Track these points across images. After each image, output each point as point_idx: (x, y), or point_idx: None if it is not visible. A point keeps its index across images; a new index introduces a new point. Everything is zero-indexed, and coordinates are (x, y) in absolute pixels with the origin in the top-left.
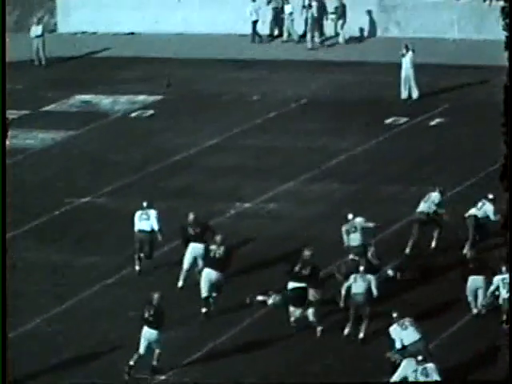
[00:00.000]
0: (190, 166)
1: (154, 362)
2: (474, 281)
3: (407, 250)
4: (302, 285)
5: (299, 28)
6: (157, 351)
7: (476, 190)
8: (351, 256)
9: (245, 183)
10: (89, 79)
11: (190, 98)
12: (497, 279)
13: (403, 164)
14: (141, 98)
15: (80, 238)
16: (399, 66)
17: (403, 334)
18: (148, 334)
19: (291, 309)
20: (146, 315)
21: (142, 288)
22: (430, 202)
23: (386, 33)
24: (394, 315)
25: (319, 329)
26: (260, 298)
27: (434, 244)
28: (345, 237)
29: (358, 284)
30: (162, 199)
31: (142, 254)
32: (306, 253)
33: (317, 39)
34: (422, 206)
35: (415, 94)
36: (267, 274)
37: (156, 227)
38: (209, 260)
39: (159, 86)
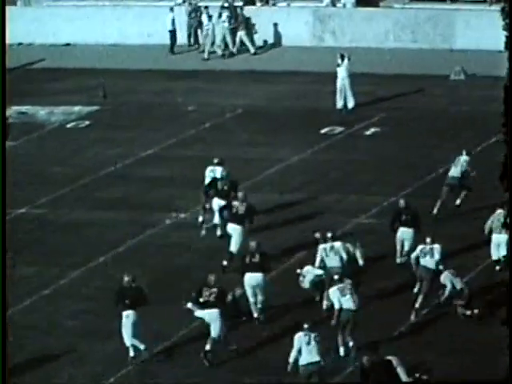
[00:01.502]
0: (126, 176)
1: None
2: (403, 232)
3: (435, 211)
4: (256, 274)
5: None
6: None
7: (412, 200)
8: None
9: (180, 194)
10: (25, 90)
11: (125, 109)
12: (419, 248)
13: (339, 173)
14: (77, 108)
15: (17, 248)
16: (335, 75)
17: (342, 299)
18: (208, 314)
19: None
20: (207, 298)
21: (79, 298)
22: (460, 165)
23: (321, 42)
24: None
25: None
26: (189, 305)
27: (458, 202)
28: None
29: (330, 257)
30: (98, 210)
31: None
32: (252, 244)
33: (217, 49)
34: (454, 171)
35: (351, 104)
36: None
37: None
38: (232, 216)
39: (95, 97)
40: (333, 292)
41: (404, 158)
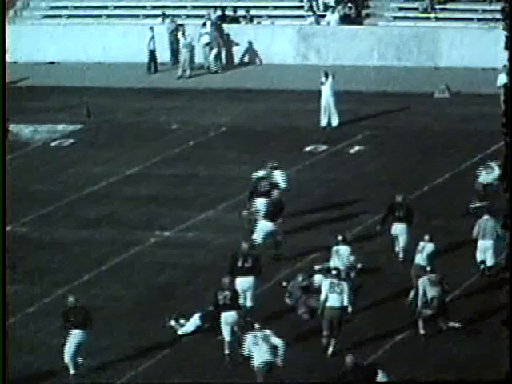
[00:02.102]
0: (110, 194)
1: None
2: (396, 229)
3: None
4: (248, 278)
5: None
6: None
7: None
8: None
9: (164, 212)
10: (9, 108)
11: (109, 127)
12: (421, 245)
13: (323, 191)
14: (61, 127)
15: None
16: (319, 93)
17: (329, 294)
18: (229, 317)
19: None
20: (222, 301)
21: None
22: (492, 174)
23: (305, 60)
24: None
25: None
26: (172, 323)
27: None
28: None
29: (334, 260)
30: (82, 228)
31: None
32: (244, 246)
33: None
34: (491, 178)
35: (335, 122)
36: (188, 302)
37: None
38: (265, 213)
39: (79, 115)
40: (325, 283)
41: (388, 176)
